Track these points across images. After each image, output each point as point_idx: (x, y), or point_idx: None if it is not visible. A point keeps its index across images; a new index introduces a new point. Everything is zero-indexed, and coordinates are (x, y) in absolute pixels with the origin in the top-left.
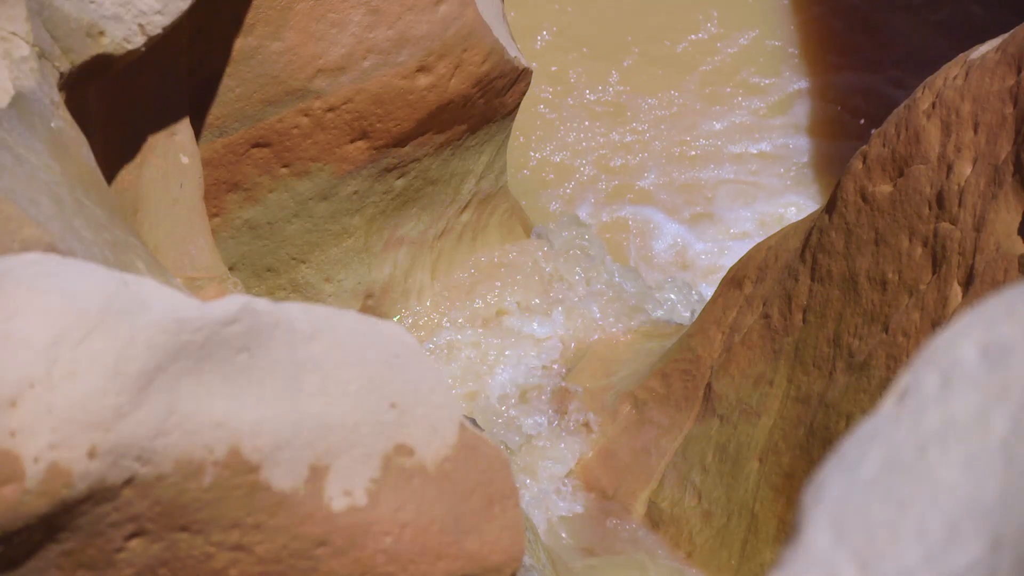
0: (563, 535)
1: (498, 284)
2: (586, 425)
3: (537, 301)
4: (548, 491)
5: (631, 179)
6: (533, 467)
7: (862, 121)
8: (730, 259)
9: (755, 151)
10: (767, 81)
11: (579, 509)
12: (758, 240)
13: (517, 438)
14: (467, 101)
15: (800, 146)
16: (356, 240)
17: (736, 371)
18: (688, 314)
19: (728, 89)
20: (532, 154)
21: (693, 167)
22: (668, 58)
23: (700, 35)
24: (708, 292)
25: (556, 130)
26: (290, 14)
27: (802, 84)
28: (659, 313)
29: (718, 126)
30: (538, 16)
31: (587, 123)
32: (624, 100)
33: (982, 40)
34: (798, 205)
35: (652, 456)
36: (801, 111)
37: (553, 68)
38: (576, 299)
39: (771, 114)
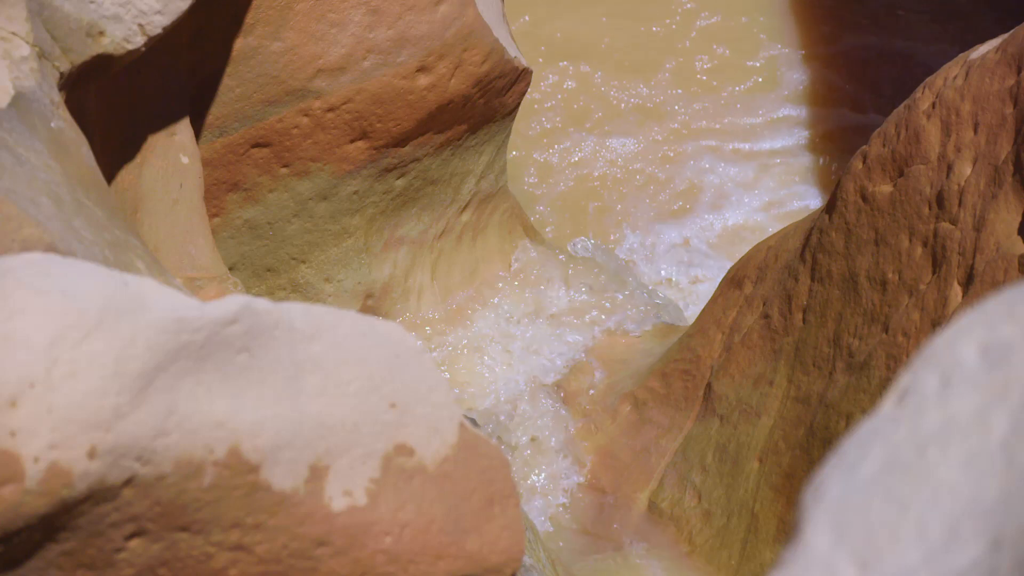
0: (561, 536)
1: (499, 284)
2: (587, 424)
3: (537, 301)
4: (549, 489)
5: (623, 164)
6: (534, 466)
7: (856, 88)
8: (729, 236)
9: (750, 123)
10: (760, 54)
11: (579, 508)
12: (757, 211)
13: (521, 437)
14: (467, 101)
15: (793, 115)
16: (356, 240)
17: (736, 371)
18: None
19: (715, 64)
20: (515, 139)
21: (683, 144)
22: (647, 39)
23: (678, 16)
24: (705, 276)
25: (541, 117)
26: (290, 14)
27: (793, 56)
28: (657, 312)
29: (706, 104)
30: (511, 6)
31: (571, 109)
32: (604, 82)
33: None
34: (798, 174)
35: (652, 456)
36: (792, 81)
37: (530, 56)
38: (576, 299)
39: (762, 87)
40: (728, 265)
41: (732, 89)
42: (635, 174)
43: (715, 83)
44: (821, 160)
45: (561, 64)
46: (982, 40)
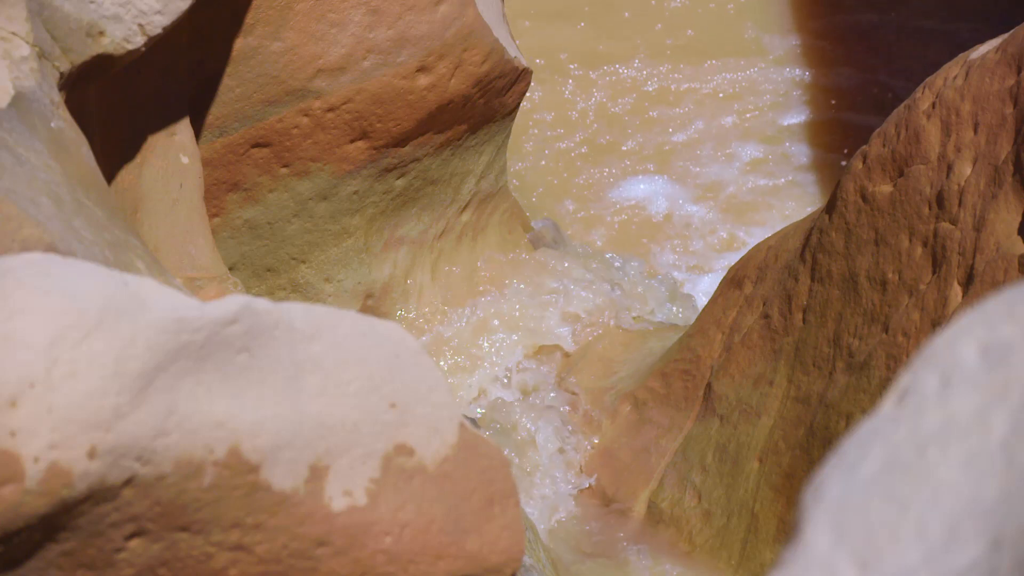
0: (561, 537)
1: (499, 284)
2: (587, 425)
3: (537, 301)
4: (549, 490)
5: (618, 153)
6: (533, 466)
7: (844, 52)
8: (727, 207)
9: (738, 90)
10: (746, 33)
11: (579, 508)
12: (752, 175)
13: (518, 436)
14: (467, 101)
15: (785, 79)
16: (356, 240)
17: (736, 371)
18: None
19: (701, 39)
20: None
21: (677, 126)
22: (624, 23)
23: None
24: (706, 266)
25: (533, 106)
26: (290, 14)
27: (779, 31)
28: (658, 314)
29: (698, 83)
30: None
31: (561, 97)
32: (581, 64)
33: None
34: (794, 134)
35: (652, 456)
36: (779, 50)
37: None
38: (576, 299)
39: (748, 56)
40: (728, 240)
41: (717, 60)
42: (618, 153)
43: (701, 56)
44: (816, 117)
45: (536, 53)
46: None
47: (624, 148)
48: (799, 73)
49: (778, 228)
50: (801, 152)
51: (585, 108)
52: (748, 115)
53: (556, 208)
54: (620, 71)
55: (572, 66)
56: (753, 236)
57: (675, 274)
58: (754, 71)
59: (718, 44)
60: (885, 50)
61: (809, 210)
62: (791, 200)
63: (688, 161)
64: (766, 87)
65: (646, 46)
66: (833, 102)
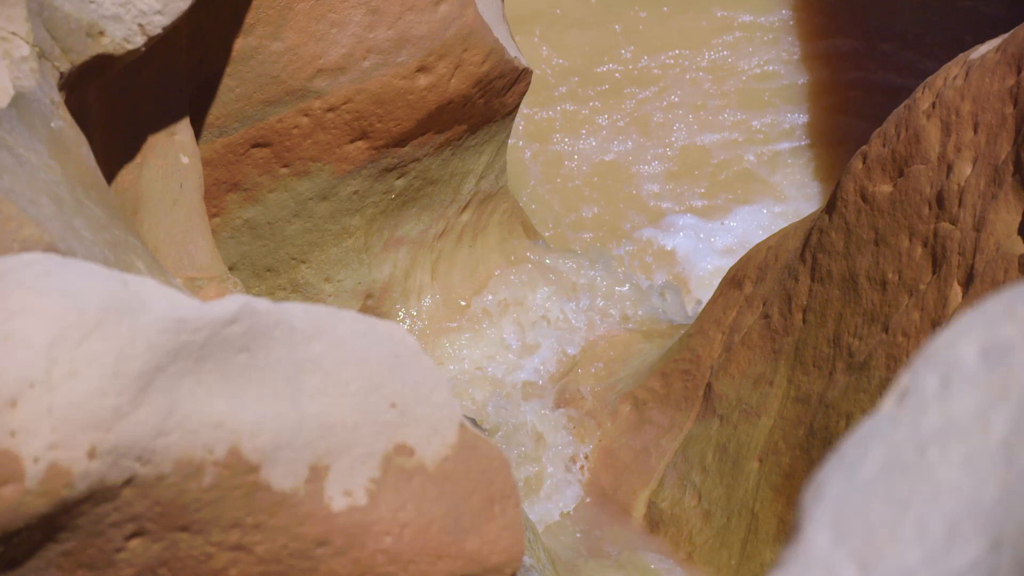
0: (561, 537)
1: (499, 285)
2: (587, 424)
3: (538, 302)
4: (549, 490)
5: (597, 129)
6: (533, 466)
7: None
8: (731, 208)
9: (727, 62)
10: (727, 15)
11: (579, 508)
12: (745, 150)
13: (518, 436)
14: (467, 101)
15: (778, 55)
16: (356, 240)
17: (736, 371)
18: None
19: (682, 21)
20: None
21: (655, 99)
22: (599, 5)
23: None
24: (706, 257)
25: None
26: (290, 14)
27: (768, 12)
28: (657, 315)
29: (674, 59)
30: None
31: (539, 77)
32: (562, 53)
33: None
34: (790, 102)
35: (652, 456)
36: (771, 25)
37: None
38: (577, 299)
39: (735, 31)
40: (727, 232)
41: (703, 38)
42: (597, 129)
43: (677, 34)
44: (807, 82)
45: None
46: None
47: (602, 122)
48: (786, 44)
49: (766, 198)
50: (792, 118)
51: (562, 89)
52: (729, 86)
53: (534, 187)
54: (599, 51)
55: (544, 49)
56: (742, 207)
57: (665, 242)
58: (733, 43)
59: (695, 21)
60: (886, 21)
61: (804, 212)
62: (780, 167)
63: (669, 132)
64: (747, 58)
65: (622, 25)
66: (827, 67)
